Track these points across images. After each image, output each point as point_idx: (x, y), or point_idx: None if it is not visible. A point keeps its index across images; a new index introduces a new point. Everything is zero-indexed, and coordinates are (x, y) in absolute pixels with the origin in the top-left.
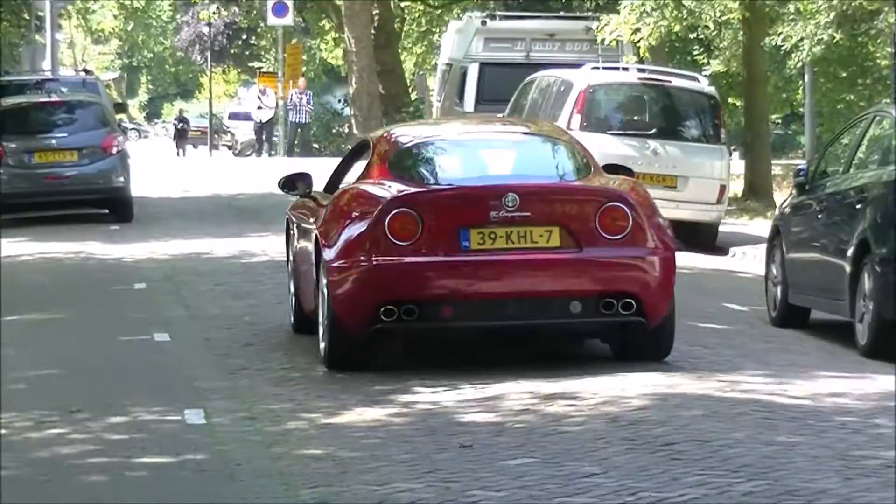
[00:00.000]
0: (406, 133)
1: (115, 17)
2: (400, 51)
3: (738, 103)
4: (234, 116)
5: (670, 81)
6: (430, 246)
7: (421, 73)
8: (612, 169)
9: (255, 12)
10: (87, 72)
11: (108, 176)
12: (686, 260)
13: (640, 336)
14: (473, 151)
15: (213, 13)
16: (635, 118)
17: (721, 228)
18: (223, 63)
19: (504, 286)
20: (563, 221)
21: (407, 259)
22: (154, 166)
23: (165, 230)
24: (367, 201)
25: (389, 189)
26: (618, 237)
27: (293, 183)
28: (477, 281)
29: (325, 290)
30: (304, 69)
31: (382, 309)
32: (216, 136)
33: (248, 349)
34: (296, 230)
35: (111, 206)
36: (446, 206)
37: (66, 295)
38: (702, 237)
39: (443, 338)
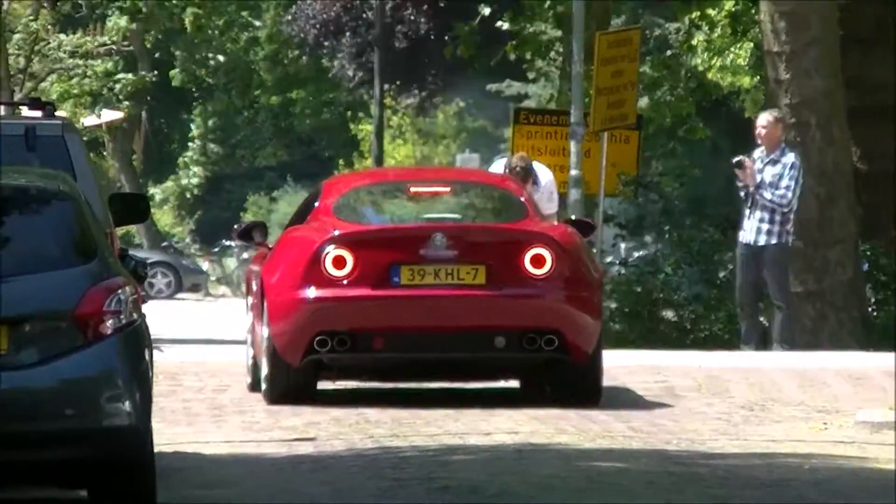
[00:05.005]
0: (352, 179)
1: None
2: None
3: None
4: None
5: None
6: (363, 281)
7: None
8: (573, 222)
9: None
10: (38, 104)
11: (90, 397)
12: None
13: (567, 375)
14: (412, 196)
15: None
16: None
17: None
18: (422, 84)
19: (432, 319)
20: (489, 260)
21: (341, 293)
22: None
23: None
24: (307, 240)
25: (328, 229)
26: (541, 276)
27: (249, 233)
28: (407, 314)
29: (267, 325)
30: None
31: (317, 340)
32: None
33: None
34: (254, 283)
35: (99, 482)
36: (379, 245)
37: None
38: None
39: (373, 368)
